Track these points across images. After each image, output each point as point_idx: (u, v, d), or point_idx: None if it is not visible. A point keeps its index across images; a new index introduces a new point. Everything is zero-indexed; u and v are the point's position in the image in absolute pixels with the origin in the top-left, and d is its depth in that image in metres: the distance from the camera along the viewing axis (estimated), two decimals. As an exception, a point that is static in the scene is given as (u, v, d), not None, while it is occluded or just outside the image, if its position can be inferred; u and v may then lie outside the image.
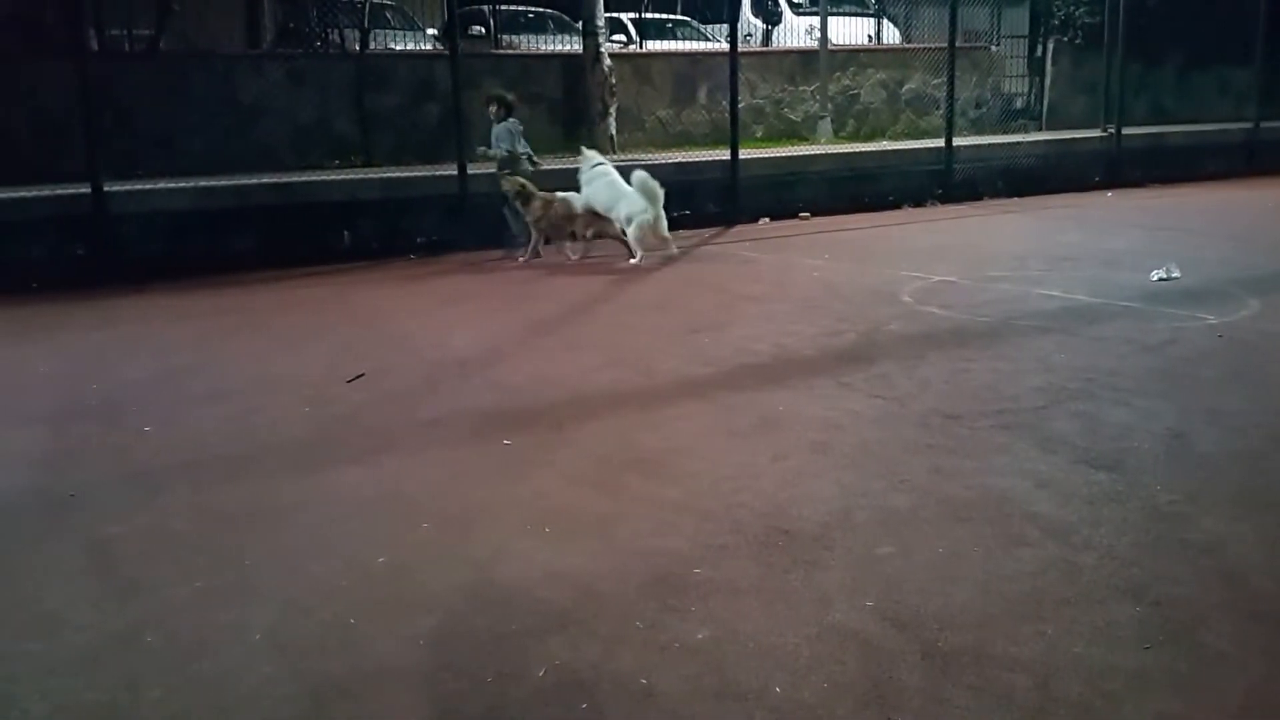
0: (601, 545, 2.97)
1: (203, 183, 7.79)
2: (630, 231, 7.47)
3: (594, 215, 7.61)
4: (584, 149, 7.84)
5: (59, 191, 7.21)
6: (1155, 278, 6.48)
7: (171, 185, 7.61)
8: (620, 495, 3.34)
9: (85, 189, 7.17)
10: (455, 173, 8.41)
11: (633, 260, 7.51)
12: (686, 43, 14.27)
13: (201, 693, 2.30)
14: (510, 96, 7.99)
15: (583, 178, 7.62)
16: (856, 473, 3.44)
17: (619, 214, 7.49)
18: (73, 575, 2.88)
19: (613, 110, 10.98)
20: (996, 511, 3.11)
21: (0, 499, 3.43)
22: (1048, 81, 14.17)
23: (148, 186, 7.52)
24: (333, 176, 8.28)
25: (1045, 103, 14.17)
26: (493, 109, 7.86)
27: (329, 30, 10.12)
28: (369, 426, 4.09)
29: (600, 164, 7.66)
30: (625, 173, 9.61)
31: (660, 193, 7.46)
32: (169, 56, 9.37)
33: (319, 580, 2.80)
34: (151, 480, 3.56)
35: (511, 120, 7.91)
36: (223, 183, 7.89)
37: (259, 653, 2.44)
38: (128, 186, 7.40)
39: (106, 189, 7.22)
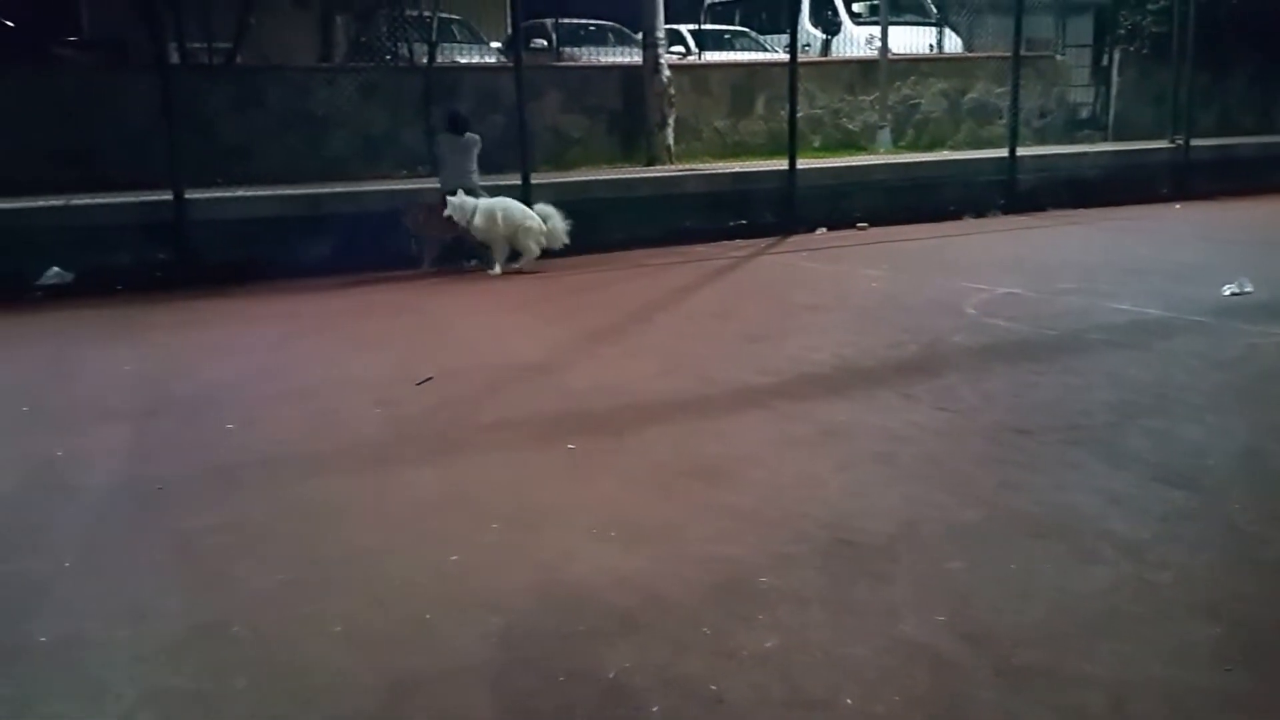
0: (666, 550, 3.01)
1: (278, 191, 8.05)
2: (525, 245, 7.78)
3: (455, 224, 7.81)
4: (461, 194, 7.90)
5: (142, 199, 7.49)
6: (1227, 292, 6.33)
7: (249, 193, 7.89)
8: (683, 501, 3.37)
9: (167, 196, 7.44)
10: (519, 182, 8.54)
11: (490, 270, 7.82)
12: (744, 53, 14.29)
13: (285, 683, 2.38)
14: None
15: (477, 215, 7.74)
16: (922, 485, 3.43)
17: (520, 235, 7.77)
18: (161, 566, 3.00)
19: (671, 120, 11.06)
20: (1069, 528, 3.07)
21: (93, 491, 3.59)
22: (1114, 91, 13.92)
23: (226, 194, 7.79)
24: (401, 186, 8.47)
25: (1111, 113, 13.91)
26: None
27: (398, 44, 10.36)
28: (438, 428, 4.19)
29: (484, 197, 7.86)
30: (678, 183, 9.76)
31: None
32: (247, 69, 9.68)
33: (394, 576, 2.88)
34: (234, 475, 3.68)
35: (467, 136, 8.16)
36: (297, 191, 8.14)
37: (339, 645, 2.53)
38: (207, 194, 7.68)
39: (187, 196, 7.49)
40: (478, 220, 7.72)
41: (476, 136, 8.17)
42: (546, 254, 8.31)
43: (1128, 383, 4.53)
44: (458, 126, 8.15)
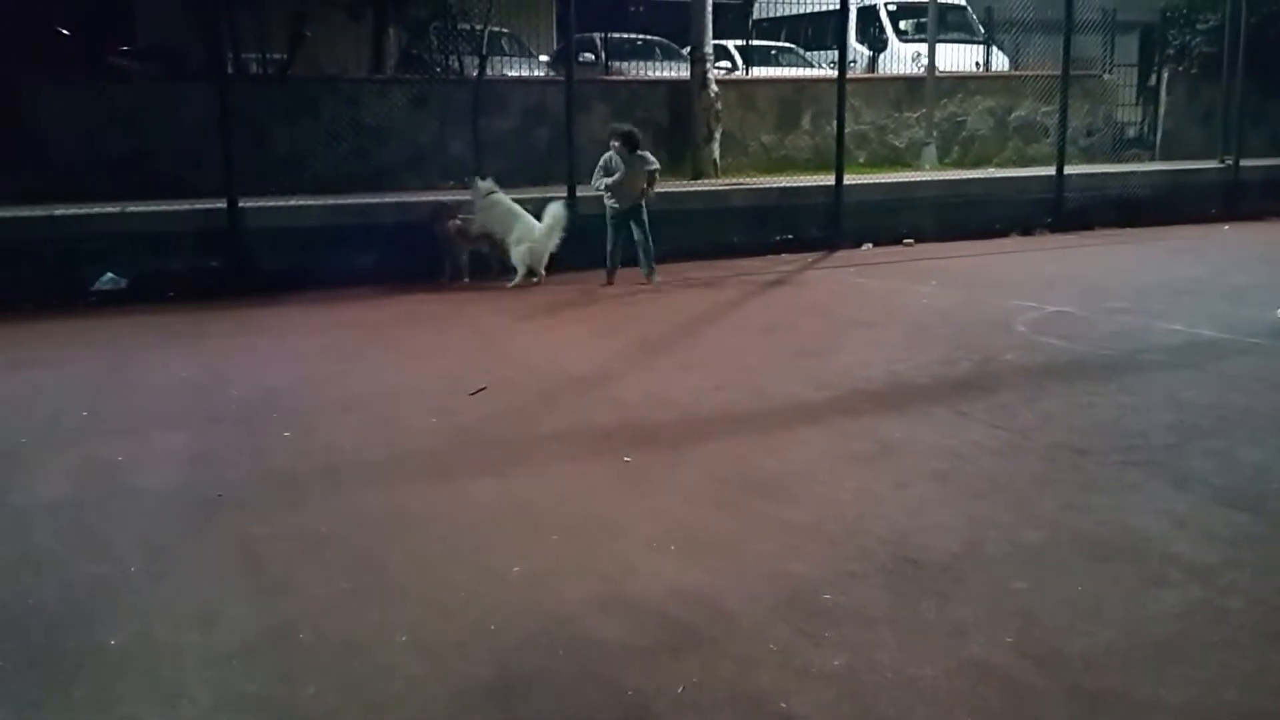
0: (728, 565, 3.00)
1: (330, 201, 8.16)
2: (517, 252, 7.79)
3: (483, 237, 7.97)
4: (477, 180, 8.03)
5: (197, 206, 7.61)
6: (1284, 314, 6.24)
7: (301, 203, 8.00)
8: (742, 516, 3.37)
9: (221, 204, 7.56)
10: (565, 195, 8.60)
11: (510, 283, 7.80)
12: (791, 69, 14.30)
13: (354, 691, 2.40)
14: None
15: (477, 205, 7.93)
16: (983, 504, 3.40)
17: (512, 237, 7.82)
18: (226, 572, 3.04)
19: (717, 134, 11.08)
20: (1134, 550, 3.03)
21: (155, 496, 3.65)
22: (1162, 111, 13.74)
23: (279, 203, 7.89)
24: (450, 197, 8.54)
25: (1159, 132, 13.73)
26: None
27: (449, 57, 10.48)
28: (494, 438, 4.22)
29: (494, 192, 7.92)
30: (725, 196, 9.78)
31: (560, 228, 7.83)
32: (300, 80, 9.81)
33: (457, 585, 2.90)
34: (294, 483, 3.73)
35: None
36: (348, 201, 8.24)
37: (406, 654, 2.55)
38: (261, 203, 7.78)
39: (241, 205, 7.62)
40: (486, 199, 7.87)
41: (647, 154, 8.00)
42: (591, 266, 8.38)
43: (1186, 404, 4.46)
44: (632, 144, 8.09)
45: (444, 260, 8.05)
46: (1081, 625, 2.60)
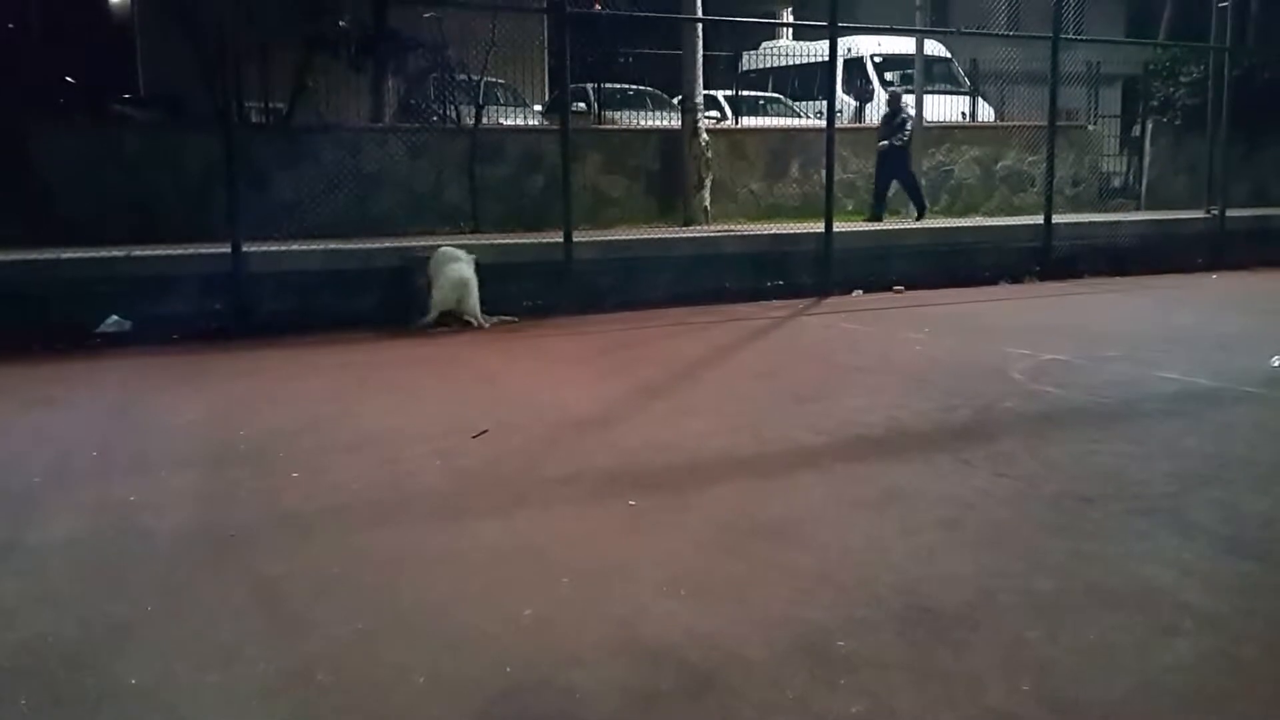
0: (740, 611, 3.01)
1: (330, 245, 8.23)
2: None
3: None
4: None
5: (201, 251, 7.66)
6: (1276, 363, 6.32)
7: (303, 247, 8.06)
8: (751, 561, 3.38)
9: (225, 249, 7.61)
10: (561, 240, 8.71)
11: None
12: (778, 118, 14.60)
13: (375, 733, 2.39)
14: None
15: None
16: (993, 553, 3.42)
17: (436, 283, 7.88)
18: (241, 611, 3.03)
19: (708, 182, 11.25)
20: (1146, 599, 3.05)
21: (167, 536, 3.63)
22: (1146, 161, 14.06)
23: (282, 248, 7.95)
24: (447, 242, 8.62)
25: (1144, 182, 14.04)
26: None
27: (446, 106, 10.67)
28: (498, 480, 4.23)
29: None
30: (717, 243, 9.90)
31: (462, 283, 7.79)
32: (301, 129, 9.94)
33: (470, 627, 2.90)
34: (304, 523, 3.73)
35: None
36: (350, 246, 8.32)
37: (426, 695, 2.54)
38: (263, 248, 7.84)
39: (244, 249, 7.66)
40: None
41: None
42: (586, 309, 8.46)
43: (1186, 453, 4.51)
44: None
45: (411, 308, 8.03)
46: (1098, 674, 2.62)
